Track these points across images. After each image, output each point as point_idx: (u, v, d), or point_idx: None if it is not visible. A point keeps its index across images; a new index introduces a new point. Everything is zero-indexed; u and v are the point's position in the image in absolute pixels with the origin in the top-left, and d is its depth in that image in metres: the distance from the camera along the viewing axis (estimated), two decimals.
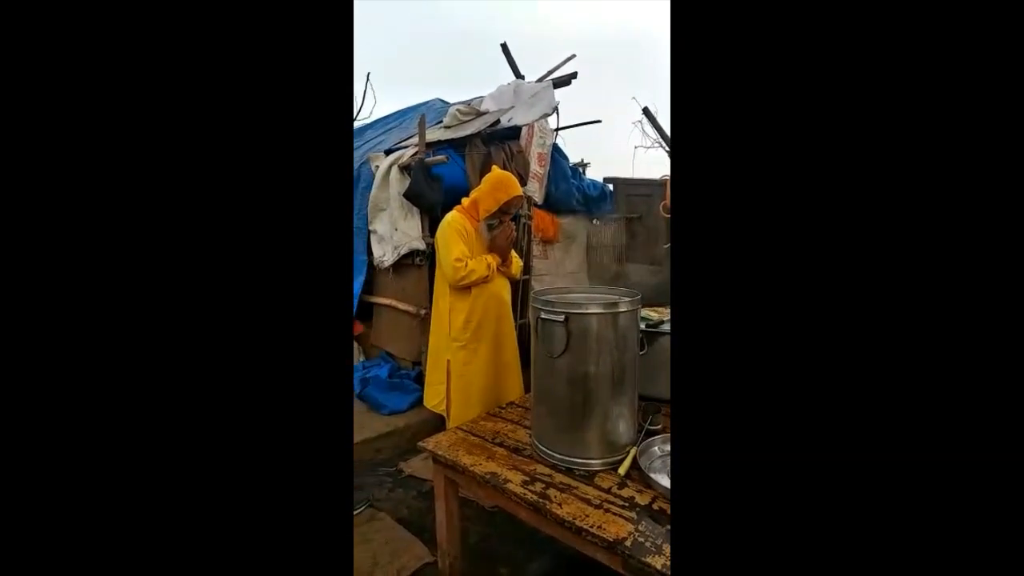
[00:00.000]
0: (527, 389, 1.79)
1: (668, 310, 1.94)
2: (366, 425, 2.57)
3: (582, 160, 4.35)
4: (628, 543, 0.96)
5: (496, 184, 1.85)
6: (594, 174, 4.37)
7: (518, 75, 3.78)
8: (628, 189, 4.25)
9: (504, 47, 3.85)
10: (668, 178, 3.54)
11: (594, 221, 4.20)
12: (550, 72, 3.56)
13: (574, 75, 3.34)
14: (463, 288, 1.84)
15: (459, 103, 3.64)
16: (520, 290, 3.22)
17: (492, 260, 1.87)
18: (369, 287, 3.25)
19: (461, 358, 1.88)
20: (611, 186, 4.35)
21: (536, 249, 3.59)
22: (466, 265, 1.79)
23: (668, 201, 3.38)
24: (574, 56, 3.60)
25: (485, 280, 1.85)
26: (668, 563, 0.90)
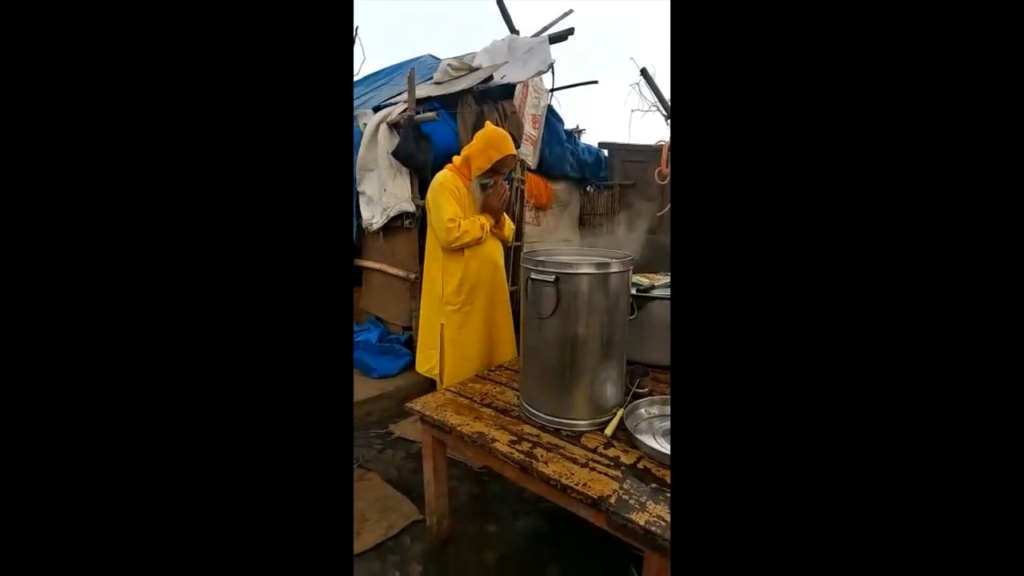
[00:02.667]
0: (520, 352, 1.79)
1: (660, 276, 1.92)
2: (356, 389, 2.57)
3: (577, 126, 4.22)
4: (612, 500, 0.97)
5: (489, 141, 1.77)
6: (590, 140, 4.26)
7: (512, 30, 3.61)
8: (623, 155, 4.15)
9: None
10: (664, 143, 3.46)
11: (588, 188, 4.12)
12: (546, 27, 3.39)
13: (571, 31, 3.19)
14: (456, 250, 1.80)
15: (451, 58, 3.48)
16: (512, 256, 3.18)
17: (485, 221, 1.82)
18: (358, 251, 3.19)
19: (455, 321, 1.85)
20: (606, 152, 4.25)
21: (528, 215, 3.52)
22: (459, 226, 1.74)
23: (663, 167, 3.31)
24: (571, 11, 3.43)
25: (478, 241, 1.80)
26: (651, 519, 0.91)
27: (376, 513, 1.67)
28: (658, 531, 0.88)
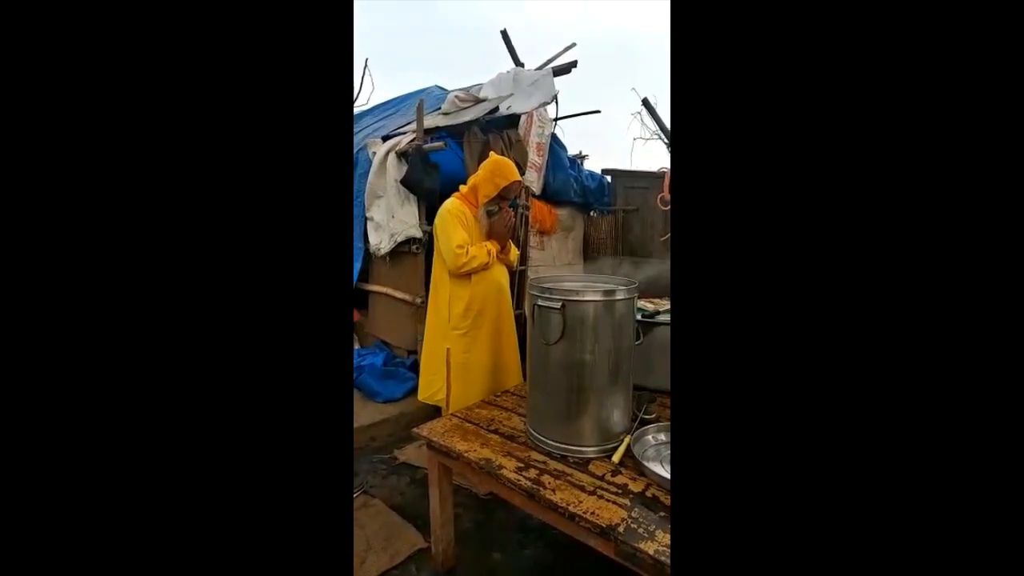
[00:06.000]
0: (526, 377, 1.79)
1: (664, 301, 1.94)
2: (360, 413, 2.57)
3: (580, 152, 4.32)
4: (621, 529, 0.97)
5: (494, 169, 1.83)
6: (592, 166, 4.35)
7: (517, 63, 3.73)
8: (626, 181, 4.22)
9: (504, 34, 3.79)
10: (666, 170, 3.52)
11: (591, 213, 4.18)
12: (550, 60, 3.51)
13: (574, 64, 3.30)
14: (463, 275, 1.83)
15: (458, 90, 3.59)
16: (516, 281, 3.21)
17: (492, 247, 1.87)
18: (365, 275, 3.23)
19: (461, 346, 1.87)
20: (609, 178, 4.32)
21: (533, 240, 3.57)
22: (467, 252, 1.79)
23: (665, 193, 3.37)
24: (574, 45, 3.55)
25: (485, 267, 1.85)
26: (660, 549, 0.90)
27: (380, 541, 1.65)
28: (667, 561, 0.87)
